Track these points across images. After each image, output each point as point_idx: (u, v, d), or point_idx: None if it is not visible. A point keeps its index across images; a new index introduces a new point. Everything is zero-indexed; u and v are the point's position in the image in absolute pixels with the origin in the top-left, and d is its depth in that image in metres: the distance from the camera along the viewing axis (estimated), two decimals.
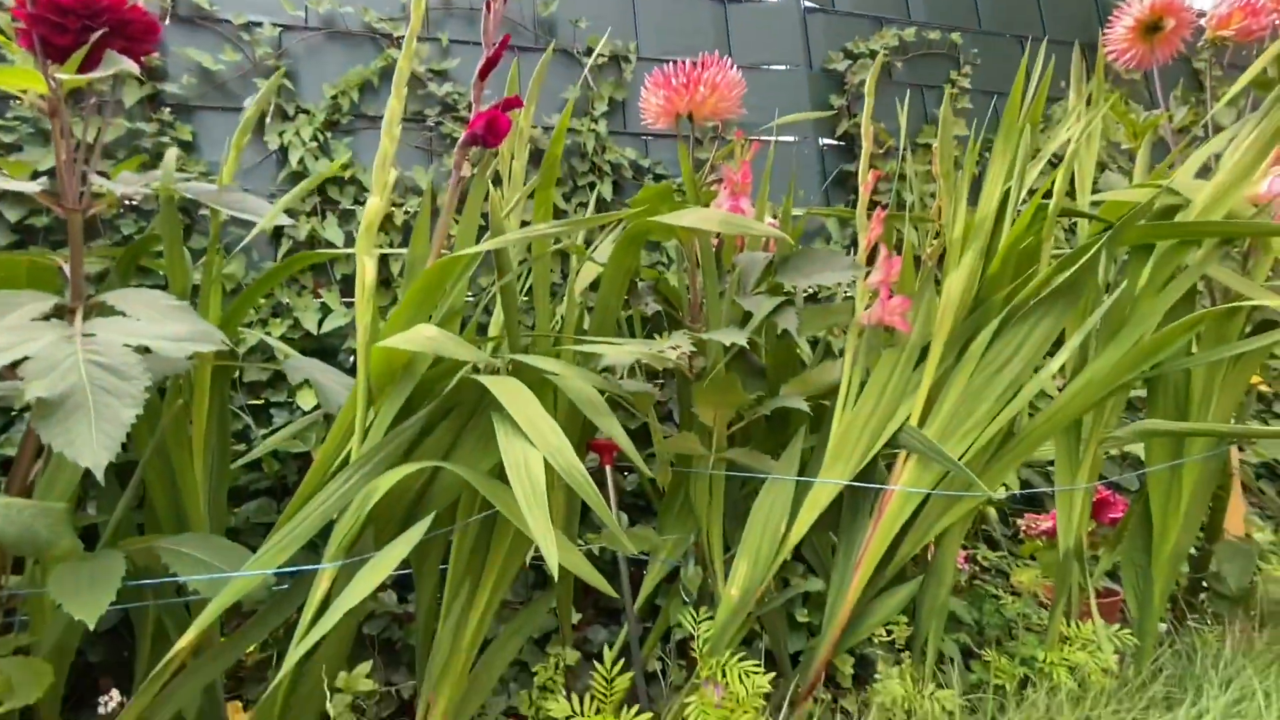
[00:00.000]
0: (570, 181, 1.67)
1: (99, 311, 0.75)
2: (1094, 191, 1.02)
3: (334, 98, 1.54)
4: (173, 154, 0.93)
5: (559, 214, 1.64)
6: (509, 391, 0.70)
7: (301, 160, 1.44)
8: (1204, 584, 1.29)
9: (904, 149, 1.07)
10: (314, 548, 0.91)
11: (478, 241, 1.00)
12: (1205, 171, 0.88)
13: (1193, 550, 1.27)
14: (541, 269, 0.89)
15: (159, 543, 0.82)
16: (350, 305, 1.41)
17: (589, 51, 1.77)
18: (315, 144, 1.47)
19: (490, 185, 0.97)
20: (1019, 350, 0.84)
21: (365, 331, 0.79)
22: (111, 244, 1.31)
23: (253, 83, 1.51)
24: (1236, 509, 1.23)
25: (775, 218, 1.17)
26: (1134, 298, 0.82)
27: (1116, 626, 1.07)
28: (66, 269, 0.84)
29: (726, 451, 0.94)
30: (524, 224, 1.04)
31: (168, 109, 1.45)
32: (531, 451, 0.66)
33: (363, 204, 1.48)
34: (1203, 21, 1.10)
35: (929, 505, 0.91)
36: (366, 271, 0.79)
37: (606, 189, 1.66)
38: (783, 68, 1.98)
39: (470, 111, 1.63)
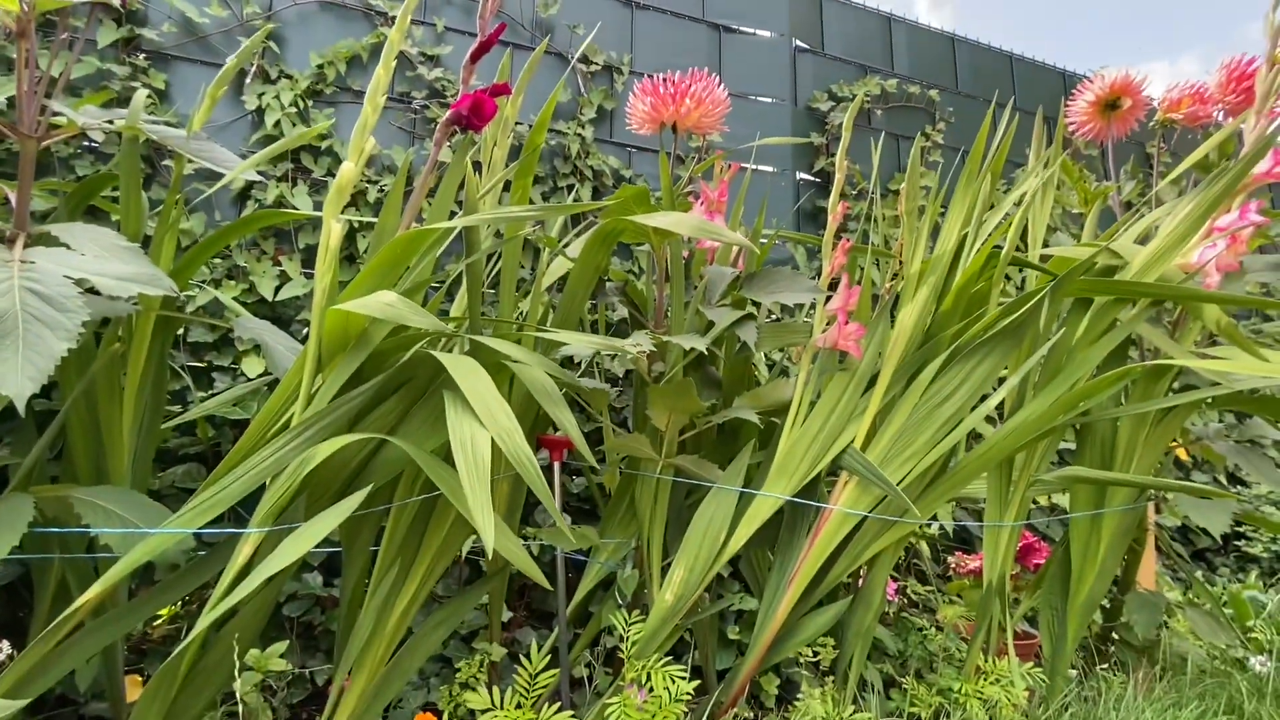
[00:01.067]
0: (550, 181, 1.68)
1: (43, 243, 0.72)
2: (1044, 247, 1.08)
3: (320, 67, 1.52)
4: (141, 95, 0.90)
5: None
6: (464, 369, 0.70)
7: (278, 124, 1.41)
8: (1114, 633, 1.35)
9: (874, 191, 1.11)
10: (239, 518, 0.88)
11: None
12: (1145, 240, 0.95)
13: (1105, 602, 1.33)
14: (510, 257, 0.89)
15: (73, 492, 0.78)
16: (311, 277, 1.38)
17: (584, 59, 1.80)
18: (295, 110, 1.45)
19: (469, 168, 0.97)
20: (962, 385, 0.88)
21: (323, 294, 0.77)
22: (64, 182, 1.26)
23: (237, 40, 1.48)
24: (1149, 564, 1.29)
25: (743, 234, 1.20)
26: (1070, 347, 0.86)
27: (1030, 665, 1.11)
28: (12, 198, 0.80)
29: (676, 458, 0.95)
30: None
31: (143, 54, 1.40)
32: (480, 431, 0.66)
33: (336, 176, 1.45)
34: (1155, 103, 1.19)
35: (864, 528, 0.93)
36: (332, 234, 0.78)
37: (586, 193, 1.67)
38: (769, 100, 2.04)
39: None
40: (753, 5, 2.08)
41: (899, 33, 2.33)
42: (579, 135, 1.69)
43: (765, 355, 1.58)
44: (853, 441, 0.92)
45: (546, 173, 1.68)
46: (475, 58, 0.91)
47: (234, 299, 1.30)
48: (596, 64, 1.80)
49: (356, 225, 1.42)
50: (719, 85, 0.94)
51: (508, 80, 1.06)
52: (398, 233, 0.86)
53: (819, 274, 1.93)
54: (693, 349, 0.78)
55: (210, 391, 1.26)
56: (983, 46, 2.48)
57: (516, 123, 1.19)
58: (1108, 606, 1.36)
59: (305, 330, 1.37)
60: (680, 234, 0.80)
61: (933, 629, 1.41)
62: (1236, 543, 2.09)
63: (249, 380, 1.26)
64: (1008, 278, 1.08)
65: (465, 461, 0.64)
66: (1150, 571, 1.33)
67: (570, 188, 1.68)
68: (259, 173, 1.41)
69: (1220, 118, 1.15)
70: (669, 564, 0.99)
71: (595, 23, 1.84)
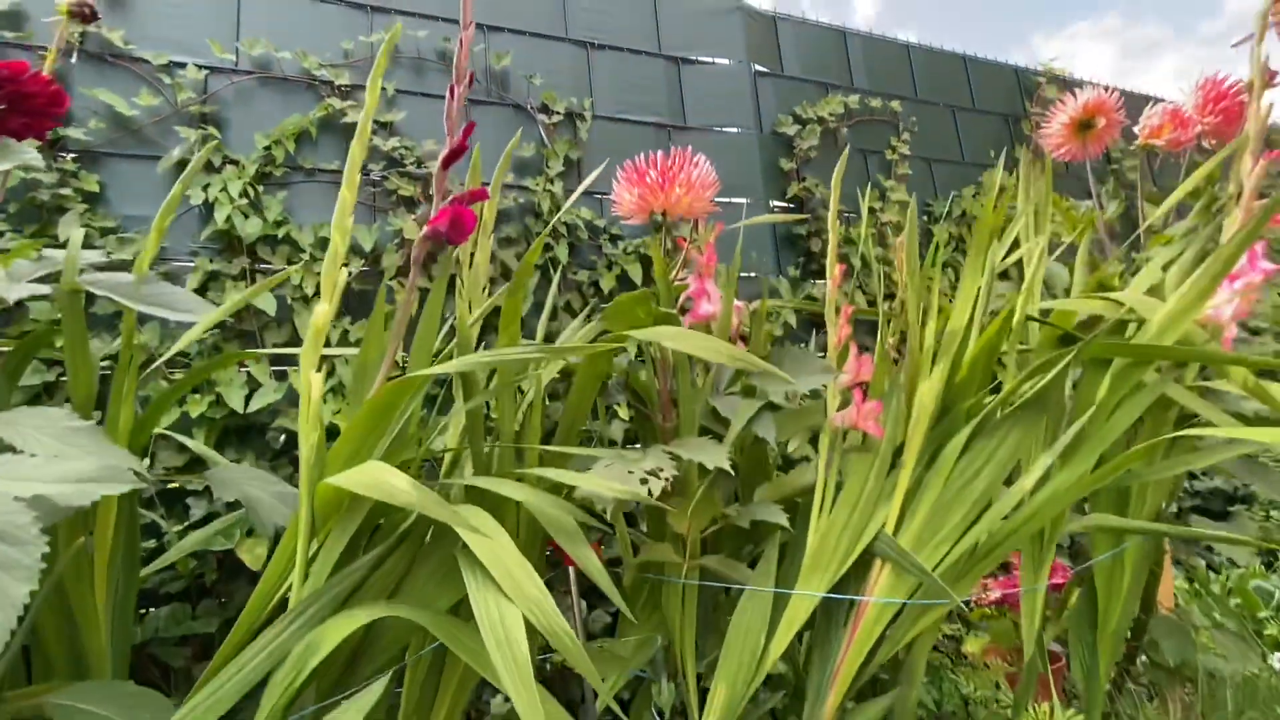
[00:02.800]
0: (524, 242, 1.61)
1: None
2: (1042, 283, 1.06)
3: (267, 148, 1.43)
4: (78, 235, 0.81)
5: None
6: (481, 535, 0.64)
7: (229, 219, 1.32)
8: (1142, 653, 1.35)
9: (869, 229, 1.08)
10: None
11: (436, 350, 0.94)
12: (1154, 287, 0.93)
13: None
14: (506, 390, 0.83)
15: (49, 696, 0.69)
16: (281, 378, 1.30)
17: (545, 109, 1.73)
18: (245, 200, 1.35)
19: (456, 268, 0.90)
20: (989, 461, 0.85)
21: (311, 452, 0.70)
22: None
23: (172, 129, 1.38)
24: (1168, 583, 1.29)
25: (742, 302, 1.15)
26: (1092, 408, 0.84)
27: (1071, 711, 1.09)
28: None
29: (701, 559, 0.90)
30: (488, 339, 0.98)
31: (70, 155, 1.30)
32: (508, 608, 0.60)
33: (299, 265, 1.37)
34: (1135, 128, 1.18)
35: (903, 614, 0.89)
36: (313, 387, 0.70)
37: (562, 251, 1.61)
38: (735, 130, 2.00)
39: (418, 166, 1.55)
40: (708, 34, 2.04)
41: (854, 46, 2.32)
42: (549, 191, 1.63)
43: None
44: (884, 526, 0.88)
45: (519, 234, 1.62)
46: (447, 164, 0.84)
47: (201, 416, 1.21)
48: (558, 113, 1.74)
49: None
50: (707, 165, 0.89)
51: (472, 142, 1.00)
52: (381, 367, 0.80)
53: (811, 322, 1.90)
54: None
55: (185, 522, 1.16)
56: (936, 51, 2.49)
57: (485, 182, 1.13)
58: (1131, 627, 1.36)
59: (283, 439, 1.28)
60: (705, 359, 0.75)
61: (962, 666, 1.39)
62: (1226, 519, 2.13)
63: (227, 504, 1.17)
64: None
65: (498, 646, 0.58)
66: (1169, 589, 1.33)
67: (545, 246, 1.62)
68: (210, 276, 1.32)
69: (1202, 136, 1.14)
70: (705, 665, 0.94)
71: (551, 69, 1.78)
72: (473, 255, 0.91)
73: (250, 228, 1.33)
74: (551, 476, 0.70)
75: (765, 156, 2.02)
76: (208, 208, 1.35)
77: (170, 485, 1.16)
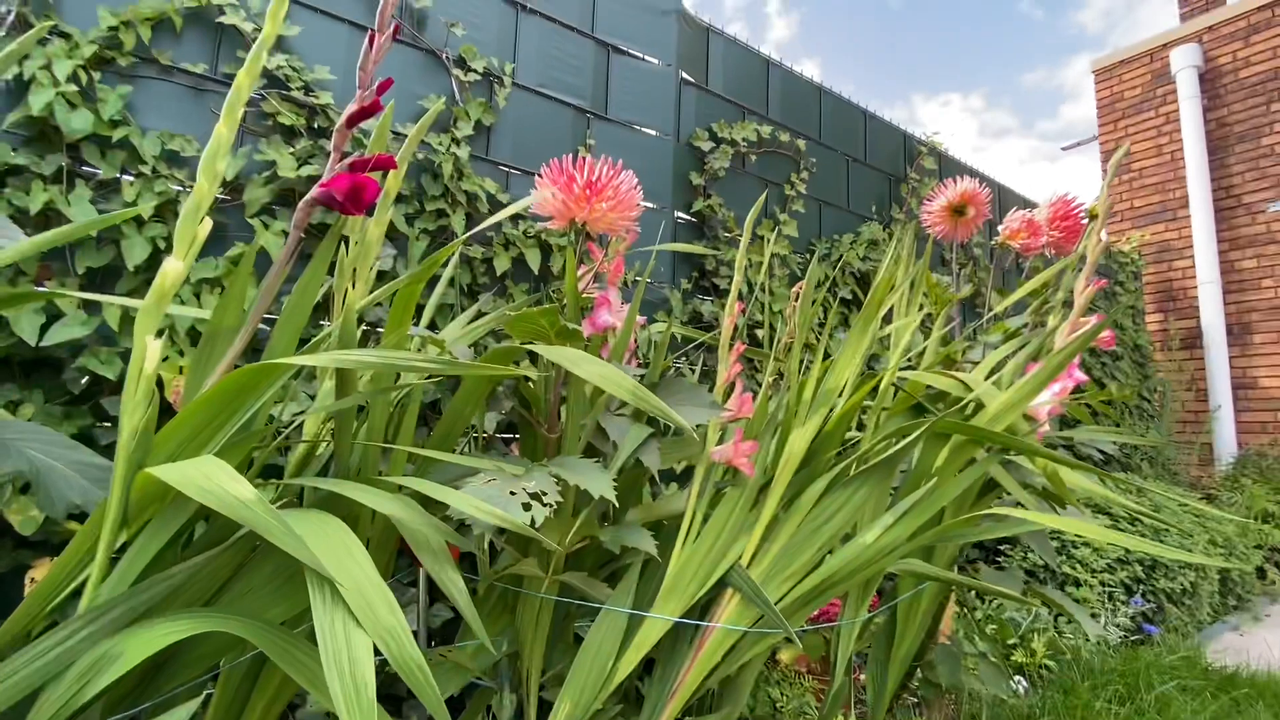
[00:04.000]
0: (417, 203, 1.49)
1: None
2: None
3: (114, 29, 1.18)
4: None
5: (397, 242, 1.45)
6: (333, 546, 0.58)
7: (50, 106, 1.07)
8: (918, 671, 1.56)
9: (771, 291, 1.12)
10: None
11: (307, 332, 0.83)
12: (991, 371, 1.07)
13: None
14: (384, 389, 0.76)
15: None
16: (93, 310, 1.09)
17: (461, 62, 1.60)
18: (74, 87, 1.11)
19: (340, 242, 0.80)
20: (840, 510, 0.93)
21: (132, 436, 0.59)
22: None
23: None
24: (949, 615, 1.50)
25: (642, 318, 1.15)
26: (933, 480, 0.95)
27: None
28: None
29: (563, 575, 0.90)
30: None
31: None
32: (358, 636, 0.55)
33: (131, 177, 1.16)
34: (999, 228, 1.34)
35: (742, 641, 0.95)
36: (148, 355, 0.59)
37: (458, 221, 1.51)
38: (653, 133, 1.99)
39: (305, 93, 1.37)
40: (642, 28, 2.00)
41: (775, 77, 2.41)
42: (453, 154, 1.52)
43: None
44: (740, 558, 0.93)
45: (412, 191, 1.49)
46: (352, 123, 0.75)
47: None
48: (476, 70, 1.62)
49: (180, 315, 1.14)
50: (635, 183, 0.88)
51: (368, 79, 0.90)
52: (237, 339, 0.69)
53: (693, 318, 1.95)
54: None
55: None
56: (844, 100, 2.65)
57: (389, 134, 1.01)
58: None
59: (85, 381, 1.08)
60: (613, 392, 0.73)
61: (774, 669, 1.53)
62: (996, 559, 2.53)
63: None
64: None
65: (341, 677, 0.53)
66: (949, 619, 1.55)
67: (439, 212, 1.50)
68: (17, 166, 1.07)
69: (1050, 246, 1.33)
70: (547, 678, 0.94)
71: (475, 22, 1.65)
72: (365, 225, 0.82)
73: (77, 121, 1.09)
74: (424, 490, 0.66)
75: (678, 165, 2.04)
76: (21, 84, 1.09)
77: None
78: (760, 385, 1.09)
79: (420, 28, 1.58)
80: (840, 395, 0.95)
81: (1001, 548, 2.50)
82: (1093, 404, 1.38)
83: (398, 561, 1.08)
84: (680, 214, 2.04)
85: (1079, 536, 2.48)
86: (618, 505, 0.92)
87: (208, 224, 0.64)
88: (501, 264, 1.55)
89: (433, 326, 1.31)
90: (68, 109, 1.09)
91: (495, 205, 1.61)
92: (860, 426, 1.37)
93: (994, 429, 0.92)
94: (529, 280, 1.66)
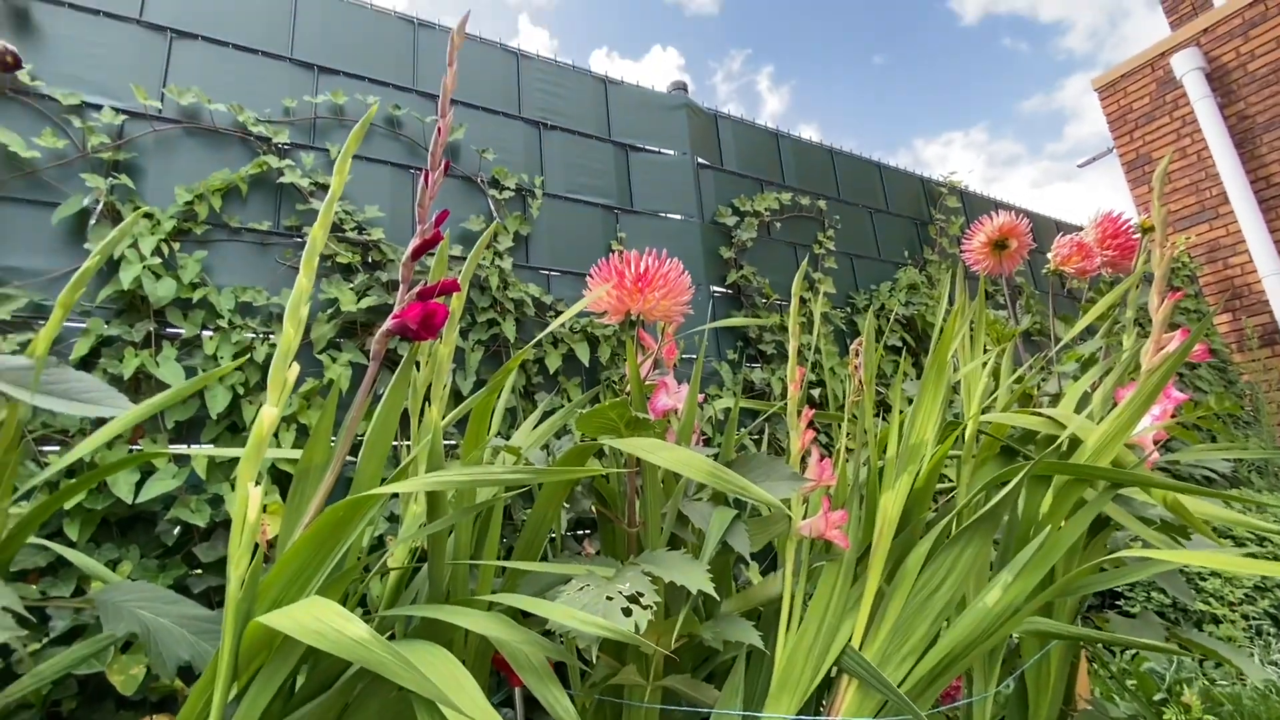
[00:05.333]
0: (469, 316, 1.55)
1: None
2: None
3: (189, 203, 1.31)
4: None
5: (459, 360, 1.51)
6: (440, 678, 0.56)
7: (138, 279, 1.18)
8: None
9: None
10: None
11: (393, 457, 0.85)
12: (1063, 396, 1.02)
13: None
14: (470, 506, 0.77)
15: None
16: (182, 462, 1.14)
17: (495, 183, 1.71)
18: (158, 259, 1.22)
19: (414, 367, 0.84)
20: (950, 574, 0.87)
21: (239, 586, 0.60)
22: None
23: (78, 176, 1.24)
24: (1083, 674, 1.36)
25: (702, 398, 1.15)
26: (1036, 522, 0.89)
27: None
28: None
29: (665, 679, 0.85)
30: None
31: None
32: None
33: (210, 332, 1.24)
34: (1048, 255, 1.32)
35: None
36: (250, 503, 0.61)
37: (509, 328, 1.56)
38: (678, 217, 2.07)
39: (359, 231, 1.47)
40: (655, 126, 2.12)
41: (786, 147, 2.49)
42: (497, 266, 1.59)
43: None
44: (850, 640, 0.87)
45: (464, 308, 1.55)
46: (417, 255, 0.79)
47: (78, 506, 1.03)
48: (509, 188, 1.72)
49: (278, 456, 1.20)
50: (682, 271, 0.90)
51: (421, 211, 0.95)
52: (328, 473, 0.71)
53: (747, 389, 1.94)
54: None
55: (45, 638, 0.97)
56: (855, 157, 2.72)
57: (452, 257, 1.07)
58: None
59: (178, 531, 1.12)
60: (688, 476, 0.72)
61: None
62: (1116, 603, 2.30)
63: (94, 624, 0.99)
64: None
65: None
66: (1085, 680, 1.40)
67: (490, 322, 1.56)
68: (102, 341, 1.16)
69: (1105, 265, 1.29)
70: None
71: (503, 145, 1.78)
72: (434, 347, 0.85)
73: (162, 289, 1.19)
74: (521, 605, 0.64)
75: (706, 243, 2.09)
76: (111, 264, 1.20)
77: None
78: (832, 449, 1.05)
79: (455, 158, 1.70)
80: (925, 450, 0.91)
81: (1120, 590, 2.28)
82: (1191, 420, 1.29)
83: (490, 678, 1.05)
84: (715, 288, 2.07)
85: (1204, 567, 2.26)
86: (716, 597, 0.88)
87: (295, 369, 0.68)
88: (553, 362, 1.59)
89: (501, 434, 1.33)
90: (154, 280, 1.20)
91: (540, 307, 1.66)
92: (942, 479, 1.30)
93: (1097, 464, 0.86)
94: (580, 374, 1.68)
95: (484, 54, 1.85)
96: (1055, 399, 1.23)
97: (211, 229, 1.35)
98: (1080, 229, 1.83)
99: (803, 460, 0.98)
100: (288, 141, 1.46)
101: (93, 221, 1.23)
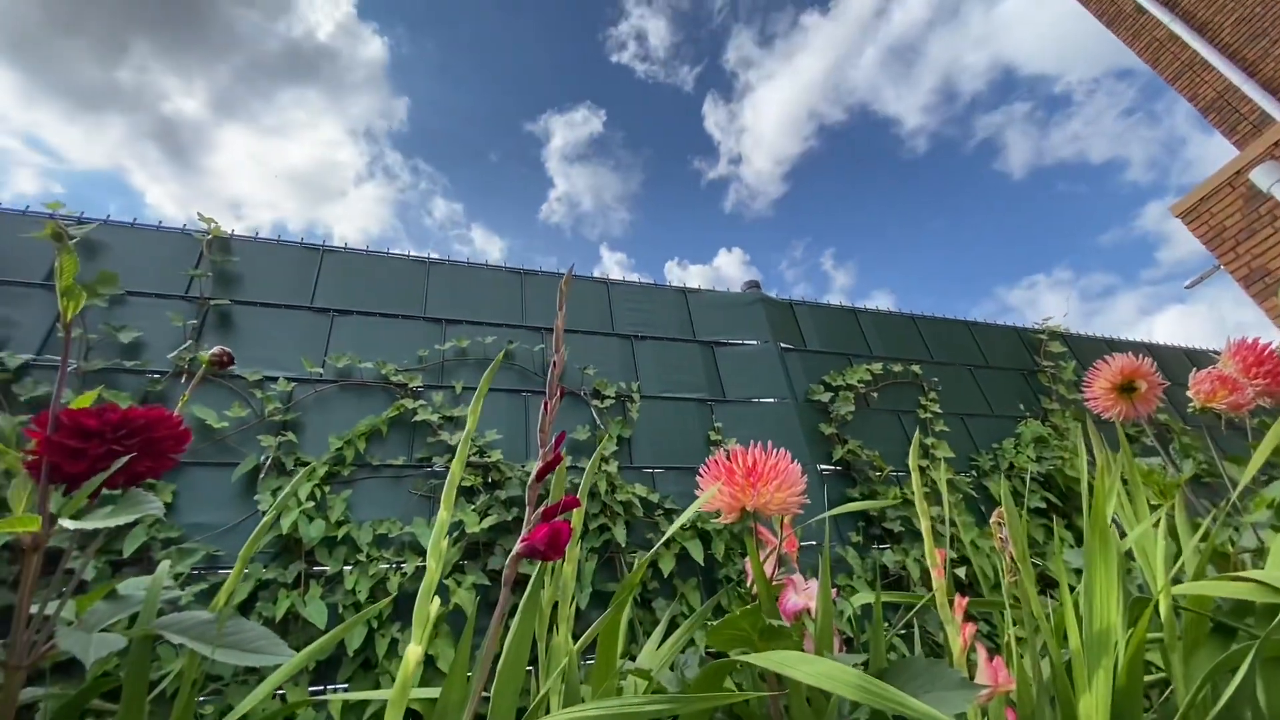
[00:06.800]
0: (583, 523, 1.57)
1: None
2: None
3: (339, 449, 1.49)
4: (161, 575, 0.78)
5: None
6: None
7: (295, 524, 1.31)
8: None
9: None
10: None
11: (527, 690, 0.84)
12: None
13: None
14: None
15: None
16: (320, 708, 1.15)
17: (596, 394, 1.85)
18: (312, 503, 1.36)
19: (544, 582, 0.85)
20: None
21: None
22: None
23: (254, 437, 1.46)
24: None
25: (835, 592, 1.06)
26: None
27: None
28: None
29: None
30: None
31: None
32: None
33: (350, 567, 1.32)
34: (1189, 393, 1.22)
35: None
36: None
37: (620, 532, 1.56)
38: (771, 400, 2.10)
39: (480, 455, 1.59)
40: (736, 322, 2.27)
41: (865, 320, 2.56)
42: (604, 472, 1.65)
43: None
44: None
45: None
46: (541, 476, 0.85)
47: None
48: (609, 396, 1.85)
49: (422, 697, 1.24)
50: (791, 461, 0.90)
51: (537, 429, 1.00)
52: (465, 713, 0.70)
53: (880, 573, 1.78)
54: None
55: None
56: (939, 319, 2.73)
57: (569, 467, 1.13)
58: None
59: None
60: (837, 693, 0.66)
61: None
62: None
63: None
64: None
65: None
66: None
67: (602, 528, 1.58)
68: (267, 580, 1.26)
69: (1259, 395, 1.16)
70: None
71: (600, 359, 1.94)
72: (558, 566, 0.87)
73: (314, 531, 1.31)
74: None
75: (804, 422, 2.08)
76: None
77: None
78: (998, 640, 0.92)
79: (562, 376, 1.87)
80: (1115, 636, 0.78)
81: None
82: None
83: None
84: (822, 466, 2.01)
85: None
86: None
87: (436, 602, 0.71)
88: (667, 564, 1.55)
89: (623, 653, 1.27)
90: (307, 522, 1.33)
91: (648, 506, 1.67)
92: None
93: None
94: (695, 573, 1.62)
95: (579, 285, 2.12)
96: (1258, 554, 1.04)
97: (356, 469, 1.51)
98: (1213, 354, 1.69)
99: (968, 659, 0.86)
100: (420, 385, 1.67)
101: (262, 475, 1.41)
